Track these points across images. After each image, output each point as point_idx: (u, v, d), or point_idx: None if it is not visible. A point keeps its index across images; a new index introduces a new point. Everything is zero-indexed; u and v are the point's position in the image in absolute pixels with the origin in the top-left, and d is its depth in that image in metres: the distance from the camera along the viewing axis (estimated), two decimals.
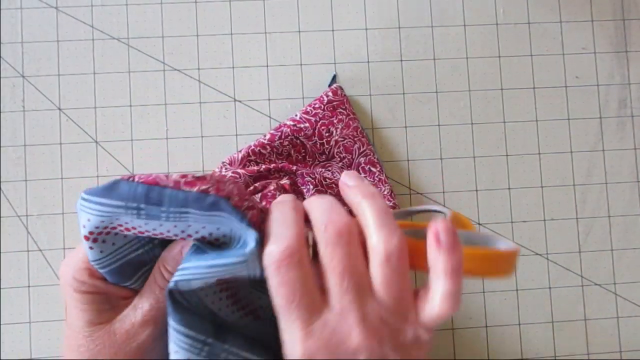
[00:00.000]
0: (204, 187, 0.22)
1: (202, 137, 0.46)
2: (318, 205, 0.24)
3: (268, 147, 0.43)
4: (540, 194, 0.47)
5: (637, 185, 0.47)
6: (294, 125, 0.44)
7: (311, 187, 0.43)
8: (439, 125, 0.47)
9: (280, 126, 0.44)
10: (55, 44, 0.45)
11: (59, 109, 0.45)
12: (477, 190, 0.46)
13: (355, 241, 0.23)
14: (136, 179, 0.22)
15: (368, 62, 0.47)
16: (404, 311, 0.23)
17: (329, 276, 0.22)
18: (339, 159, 0.44)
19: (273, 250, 0.22)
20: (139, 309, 0.26)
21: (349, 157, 0.44)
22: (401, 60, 0.47)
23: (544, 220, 0.47)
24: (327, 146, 0.44)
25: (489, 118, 0.47)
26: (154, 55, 0.46)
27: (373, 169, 0.44)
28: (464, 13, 0.47)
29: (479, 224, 0.46)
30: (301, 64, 0.46)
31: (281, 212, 0.23)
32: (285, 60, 0.46)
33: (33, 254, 0.44)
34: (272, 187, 0.40)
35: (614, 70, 0.48)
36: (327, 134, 0.44)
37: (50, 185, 0.44)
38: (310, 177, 0.43)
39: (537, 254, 0.46)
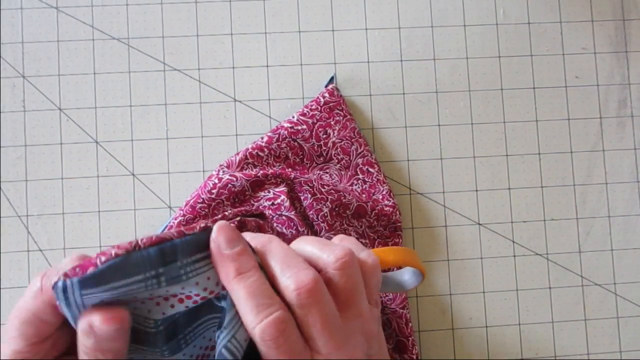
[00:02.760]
0: (202, 224, 0.21)
1: (202, 137, 0.46)
2: (276, 261, 0.23)
3: (266, 149, 0.43)
4: (540, 194, 0.47)
5: (637, 185, 0.47)
6: (291, 127, 0.44)
7: (309, 195, 0.42)
8: (439, 125, 0.47)
9: (277, 128, 0.44)
10: (55, 44, 0.45)
11: (59, 109, 0.45)
12: (477, 190, 0.46)
13: (324, 291, 0.23)
14: (140, 244, 0.20)
15: (368, 62, 0.47)
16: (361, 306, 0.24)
17: (311, 331, 0.22)
18: (336, 161, 0.44)
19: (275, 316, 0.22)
20: None
21: (347, 159, 0.44)
22: (401, 60, 0.47)
23: (544, 220, 0.47)
24: (324, 148, 0.44)
25: (489, 118, 0.47)
26: (154, 55, 0.46)
27: (371, 169, 0.44)
28: (464, 13, 0.47)
29: (479, 224, 0.46)
30: (301, 64, 0.46)
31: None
32: (285, 60, 0.46)
33: (33, 254, 0.44)
34: (253, 223, 0.40)
35: (614, 70, 0.48)
36: (324, 136, 0.44)
37: (50, 185, 0.44)
38: (308, 185, 0.43)
39: (537, 254, 0.46)
